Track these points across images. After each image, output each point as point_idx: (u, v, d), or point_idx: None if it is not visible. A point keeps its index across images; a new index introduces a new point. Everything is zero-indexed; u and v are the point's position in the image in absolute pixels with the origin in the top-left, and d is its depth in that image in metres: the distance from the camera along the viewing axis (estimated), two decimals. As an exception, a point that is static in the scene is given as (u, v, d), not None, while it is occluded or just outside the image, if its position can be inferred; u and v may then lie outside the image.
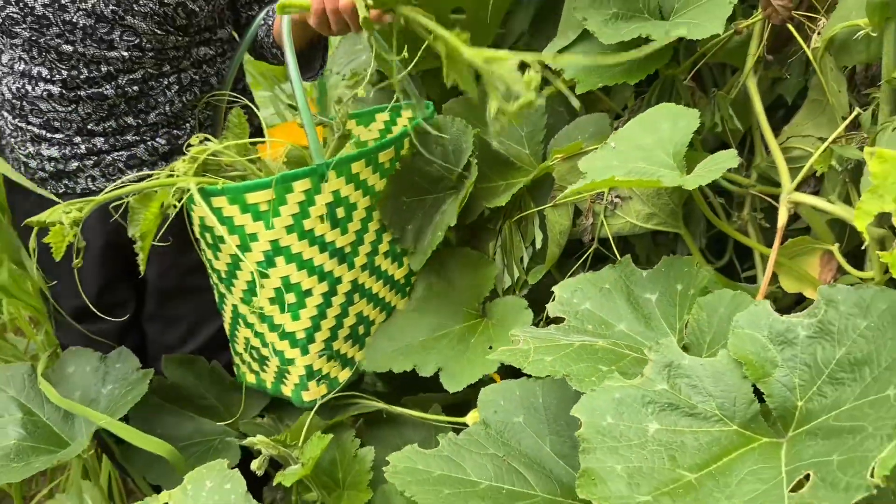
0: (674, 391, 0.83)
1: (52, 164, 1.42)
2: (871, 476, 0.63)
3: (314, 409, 1.32)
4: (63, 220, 1.15)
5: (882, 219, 0.96)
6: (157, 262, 1.48)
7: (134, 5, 1.30)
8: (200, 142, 1.24)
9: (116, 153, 1.42)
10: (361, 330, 1.39)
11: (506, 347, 1.02)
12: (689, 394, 0.83)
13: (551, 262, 1.35)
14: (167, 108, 1.42)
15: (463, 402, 1.26)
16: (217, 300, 1.42)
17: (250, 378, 1.44)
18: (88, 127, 1.39)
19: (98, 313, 1.40)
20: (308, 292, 1.27)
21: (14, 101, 1.38)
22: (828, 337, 0.81)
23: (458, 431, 1.06)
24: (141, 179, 1.22)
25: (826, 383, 0.78)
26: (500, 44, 1.58)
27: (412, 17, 1.07)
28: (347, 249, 1.31)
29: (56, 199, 1.36)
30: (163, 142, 1.44)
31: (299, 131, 1.25)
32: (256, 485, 1.22)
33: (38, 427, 1.41)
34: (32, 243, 1.26)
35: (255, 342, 1.35)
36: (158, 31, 1.34)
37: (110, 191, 1.19)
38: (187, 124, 1.46)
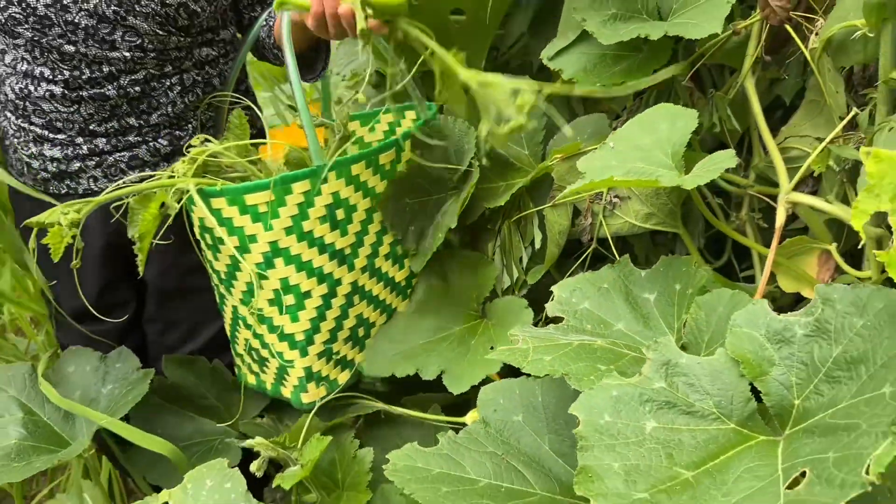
0: (671, 389, 0.84)
1: (55, 164, 1.42)
2: (866, 473, 0.64)
3: (313, 411, 1.32)
4: (61, 221, 1.15)
5: (880, 218, 0.96)
6: (157, 263, 1.48)
7: (135, 6, 1.30)
8: (201, 143, 1.25)
9: (118, 154, 1.42)
10: (361, 332, 1.39)
11: (505, 347, 1.03)
12: (686, 392, 0.83)
13: (550, 262, 1.35)
14: (169, 109, 1.43)
15: (462, 402, 1.27)
16: (218, 301, 1.43)
17: (251, 379, 1.44)
18: (91, 127, 1.39)
19: (98, 315, 1.40)
20: (307, 294, 1.27)
21: (17, 101, 1.39)
22: (824, 336, 0.81)
23: (457, 431, 1.06)
24: (142, 180, 1.22)
25: (823, 381, 0.79)
26: (500, 45, 1.59)
27: (410, 32, 1.08)
28: (347, 251, 1.31)
29: (54, 200, 1.37)
30: (165, 143, 1.44)
31: (302, 133, 1.25)
32: (257, 484, 1.23)
33: (39, 427, 1.41)
34: (32, 244, 1.26)
35: (255, 343, 1.35)
36: (160, 32, 1.34)
37: (110, 192, 1.19)
38: (189, 125, 1.47)
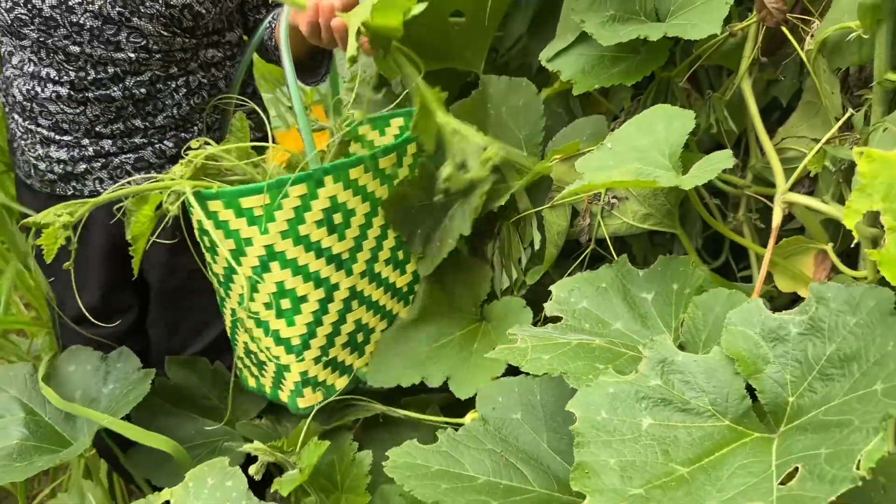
0: (667, 387, 0.84)
1: (61, 166, 1.43)
2: (857, 468, 0.65)
3: (310, 416, 1.31)
4: (56, 222, 1.15)
5: (875, 218, 0.97)
6: (160, 265, 1.49)
7: (140, 7, 1.31)
8: (200, 145, 1.25)
9: (124, 156, 1.43)
10: (360, 337, 1.37)
11: (504, 346, 1.03)
12: (682, 389, 0.84)
13: (549, 263, 1.36)
14: (175, 111, 1.43)
15: (462, 402, 1.27)
16: (219, 303, 1.43)
17: (251, 382, 1.44)
18: (96, 129, 1.40)
19: (98, 320, 1.41)
20: (303, 298, 1.25)
21: (25, 102, 1.40)
22: (818, 334, 0.82)
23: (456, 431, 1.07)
24: (146, 182, 1.23)
25: (816, 379, 0.80)
26: (499, 46, 1.59)
27: (401, 63, 1.09)
28: (345, 256, 1.29)
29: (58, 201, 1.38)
30: (170, 145, 1.45)
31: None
32: (258, 484, 1.23)
33: (41, 427, 1.42)
34: (31, 243, 1.27)
35: (253, 347, 1.35)
36: (165, 33, 1.35)
37: (107, 193, 1.20)
38: (195, 127, 1.47)
